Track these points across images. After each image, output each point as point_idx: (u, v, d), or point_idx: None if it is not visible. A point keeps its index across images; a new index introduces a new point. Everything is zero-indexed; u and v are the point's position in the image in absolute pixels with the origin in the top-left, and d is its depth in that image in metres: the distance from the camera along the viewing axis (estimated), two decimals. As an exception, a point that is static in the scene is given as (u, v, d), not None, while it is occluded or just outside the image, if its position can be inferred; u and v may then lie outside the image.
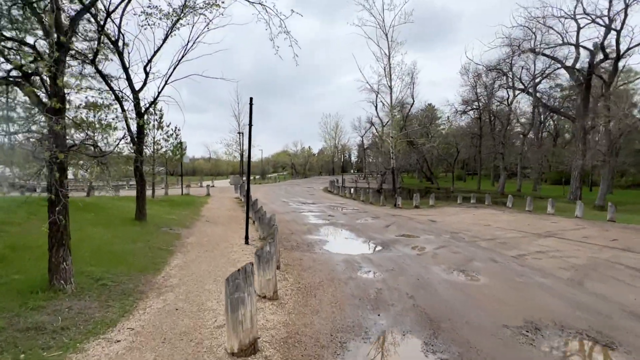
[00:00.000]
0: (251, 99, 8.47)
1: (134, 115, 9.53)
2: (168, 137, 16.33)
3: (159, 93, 9.45)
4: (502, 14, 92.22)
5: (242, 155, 45.60)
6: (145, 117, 15.76)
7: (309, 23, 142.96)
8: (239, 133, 44.68)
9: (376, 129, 55.58)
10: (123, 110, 8.75)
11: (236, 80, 21.55)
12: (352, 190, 29.02)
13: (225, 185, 37.98)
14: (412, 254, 8.23)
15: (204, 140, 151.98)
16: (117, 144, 6.47)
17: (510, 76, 33.30)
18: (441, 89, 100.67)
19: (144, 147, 15.54)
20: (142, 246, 7.29)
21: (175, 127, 16.70)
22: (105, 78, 8.17)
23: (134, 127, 9.54)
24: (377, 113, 53.53)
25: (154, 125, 16.01)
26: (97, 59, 7.89)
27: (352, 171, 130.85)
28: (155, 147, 16.09)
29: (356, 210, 16.94)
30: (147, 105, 9.53)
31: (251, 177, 51.77)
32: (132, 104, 9.37)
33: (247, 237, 8.70)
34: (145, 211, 9.47)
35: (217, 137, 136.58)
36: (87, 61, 7.99)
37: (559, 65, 27.04)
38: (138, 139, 9.28)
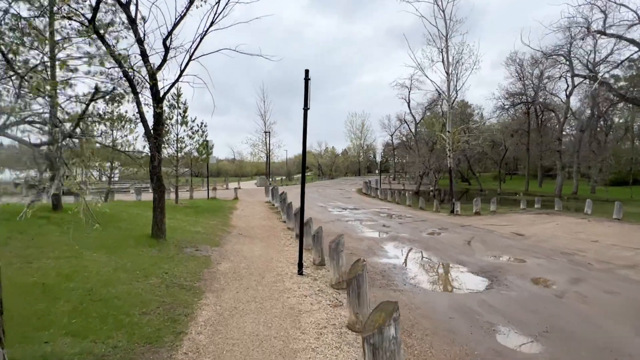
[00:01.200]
0: (307, 72, 6.05)
1: (150, 102, 7.35)
2: (193, 133, 14.24)
3: (183, 70, 7.20)
4: (530, 8, 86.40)
5: (268, 156, 43.67)
6: (167, 109, 13.77)
7: (329, 22, 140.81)
8: (266, 132, 42.78)
9: (409, 127, 52.42)
10: (135, 92, 6.54)
11: (276, 58, 19.22)
12: (390, 192, 26.28)
13: (251, 187, 36.06)
14: (545, 294, 5.56)
15: (227, 141, 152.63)
16: (128, 138, 4.02)
17: (566, 62, 29.49)
18: (471, 85, 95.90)
19: (164, 144, 13.50)
20: (156, 283, 4.99)
21: (202, 123, 14.63)
22: (106, 42, 5.94)
23: (150, 120, 7.34)
24: (410, 110, 50.45)
25: (177, 121, 13.97)
26: (96, 18, 5.68)
27: (376, 171, 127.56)
28: (178, 146, 14.04)
29: (411, 219, 14.27)
30: (168, 87, 7.30)
31: (277, 178, 49.67)
32: (148, 87, 7.16)
33: (300, 265, 6.28)
34: (164, 226, 7.23)
35: (241, 137, 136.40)
36: (84, 25, 5.81)
37: (636, 49, 23.24)
38: (155, 131, 7.06)
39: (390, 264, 7.32)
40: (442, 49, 15.56)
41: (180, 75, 7.27)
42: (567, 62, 28.29)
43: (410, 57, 37.76)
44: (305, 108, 6.10)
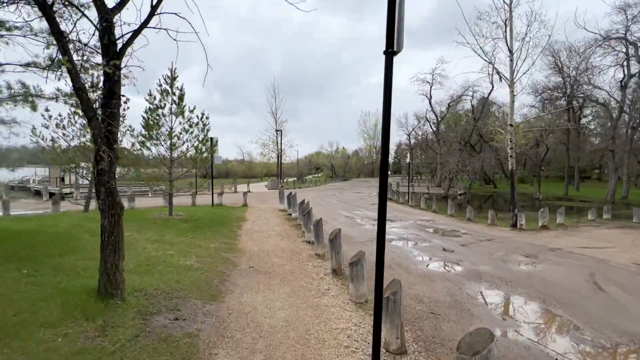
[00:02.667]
0: (390, 41, 2.91)
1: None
2: (191, 126, 11.22)
3: (154, 8, 4.14)
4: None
5: (279, 156, 40.69)
6: (157, 95, 10.79)
7: (337, 22, 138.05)
8: (277, 131, 39.78)
9: (430, 125, 48.88)
10: (56, 31, 3.51)
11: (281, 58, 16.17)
12: (415, 197, 22.95)
13: (261, 191, 33.10)
14: None
15: (236, 141, 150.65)
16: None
17: (622, 49, 25.83)
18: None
19: (154, 140, 10.55)
20: None
21: (202, 114, 11.59)
22: None
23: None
24: (431, 106, 46.97)
25: (170, 110, 10.97)
26: None
27: (389, 173, 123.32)
28: (172, 142, 11.04)
29: (470, 236, 11.02)
30: (130, 37, 4.21)
31: (288, 180, 46.75)
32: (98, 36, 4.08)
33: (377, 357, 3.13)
34: (121, 275, 4.12)
35: (250, 137, 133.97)
36: None
37: None
38: (104, 108, 4.00)
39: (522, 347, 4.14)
40: (505, 21, 12.26)
41: (149, 17, 4.20)
42: (625, 48, 24.61)
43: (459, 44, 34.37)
44: (388, 87, 2.97)
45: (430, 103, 46.11)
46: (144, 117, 10.37)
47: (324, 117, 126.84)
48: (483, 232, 11.96)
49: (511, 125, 12.88)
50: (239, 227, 11.43)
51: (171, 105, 10.89)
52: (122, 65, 4.26)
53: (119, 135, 4.58)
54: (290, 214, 14.47)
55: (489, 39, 13.12)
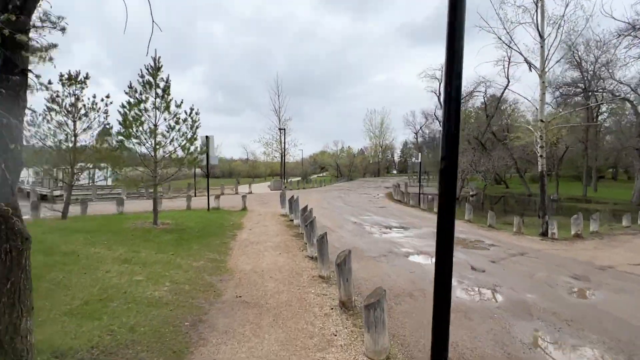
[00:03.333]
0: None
1: None
2: (177, 123, 9.86)
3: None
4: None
5: (283, 156, 39.33)
6: (138, 87, 9.45)
7: (339, 21, 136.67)
8: (280, 129, 38.41)
9: (440, 123, 47.21)
10: None
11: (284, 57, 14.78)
12: (424, 199, 21.42)
13: (264, 191, 31.78)
14: None
15: (240, 141, 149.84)
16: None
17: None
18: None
19: (136, 139, 9.27)
20: None
21: (191, 110, 10.21)
22: None
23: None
24: (441, 103, 45.22)
25: (154, 105, 9.61)
26: None
27: (394, 172, 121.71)
28: (156, 141, 9.68)
29: (498, 248, 9.52)
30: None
31: (292, 180, 45.41)
32: None
33: None
34: (26, 341, 2.75)
35: (254, 137, 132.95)
36: None
37: None
38: None
39: None
40: (535, 1, 10.71)
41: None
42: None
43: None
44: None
45: (439, 100, 44.41)
46: (121, 112, 9.02)
47: (328, 117, 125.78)
48: (511, 243, 10.45)
49: (542, 120, 11.33)
50: (233, 237, 10.06)
51: (155, 99, 9.53)
52: (34, 21, 2.89)
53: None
54: (292, 220, 13.09)
55: (514, 23, 11.59)
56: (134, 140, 9.03)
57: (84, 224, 10.56)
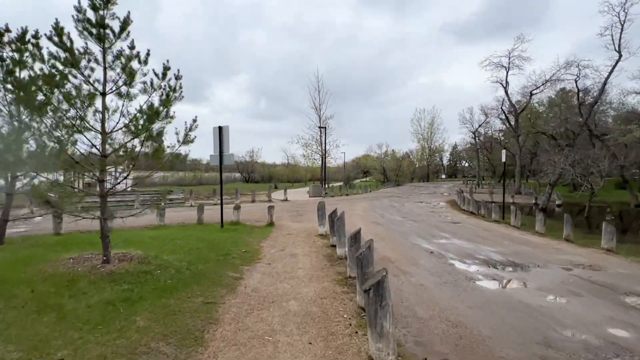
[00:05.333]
0: None
1: None
2: (145, 91, 5.78)
3: None
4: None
5: (323, 157, 35.08)
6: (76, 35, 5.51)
7: (380, 23, 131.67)
8: (321, 128, 34.25)
9: (507, 119, 40.37)
10: None
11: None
12: (495, 207, 15.82)
13: (302, 198, 27.65)
14: None
15: (282, 145, 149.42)
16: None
17: None
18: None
19: (57, 114, 5.35)
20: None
21: (166, 70, 6.09)
22: None
23: None
24: (507, 96, 38.58)
25: (98, 61, 5.62)
26: None
27: (442, 176, 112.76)
28: (106, 116, 5.66)
29: None
30: None
31: (333, 185, 41.05)
32: None
33: None
34: None
35: (292, 137, 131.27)
36: None
37: None
38: None
39: None
40: None
41: None
42: None
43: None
44: None
45: (506, 91, 37.85)
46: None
47: (368, 121, 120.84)
48: None
49: None
50: (235, 285, 5.80)
51: (98, 41, 5.56)
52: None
53: None
54: (335, 247, 8.64)
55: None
56: (52, 116, 5.07)
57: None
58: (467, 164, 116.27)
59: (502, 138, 53.62)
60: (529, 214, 20.92)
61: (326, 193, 30.53)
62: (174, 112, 5.99)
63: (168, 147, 6.33)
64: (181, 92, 6.18)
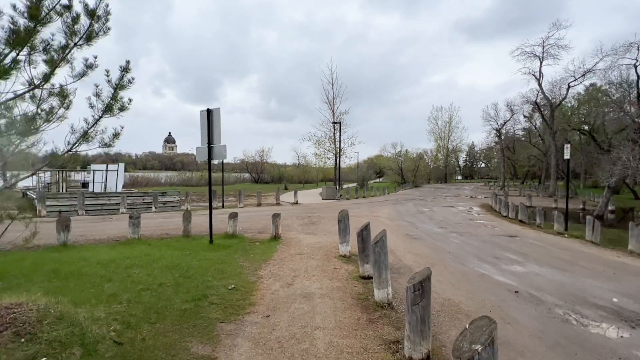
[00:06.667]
0: None
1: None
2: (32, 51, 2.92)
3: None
4: None
5: (338, 156, 32.10)
6: None
7: (390, 21, 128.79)
8: (334, 123, 31.29)
9: (541, 114, 36.64)
10: None
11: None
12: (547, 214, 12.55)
13: (314, 201, 24.72)
14: None
15: (293, 145, 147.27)
16: None
17: None
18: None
19: None
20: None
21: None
22: None
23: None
24: (541, 89, 34.91)
25: None
26: None
27: (458, 177, 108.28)
28: None
29: None
30: None
31: (347, 186, 38.05)
32: None
33: None
34: None
35: (303, 134, 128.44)
36: None
37: None
38: None
39: None
40: None
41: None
42: None
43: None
44: None
45: (539, 84, 34.23)
46: None
47: (380, 120, 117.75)
48: None
49: None
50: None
51: None
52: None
53: None
54: (368, 278, 5.70)
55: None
56: None
57: None
58: (483, 165, 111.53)
59: (524, 138, 49.78)
60: (578, 221, 17.64)
61: (341, 195, 27.55)
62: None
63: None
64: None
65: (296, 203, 22.69)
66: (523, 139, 50.49)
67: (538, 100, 35.06)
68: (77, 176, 24.16)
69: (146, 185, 48.55)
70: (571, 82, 32.06)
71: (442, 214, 17.53)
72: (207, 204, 19.33)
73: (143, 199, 16.71)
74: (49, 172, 20.55)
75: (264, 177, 68.23)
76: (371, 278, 6.04)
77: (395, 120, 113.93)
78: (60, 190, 18.34)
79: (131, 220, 9.18)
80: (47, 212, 13.80)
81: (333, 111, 32.44)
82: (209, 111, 8.52)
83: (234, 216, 10.09)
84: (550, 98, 34.09)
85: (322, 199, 26.58)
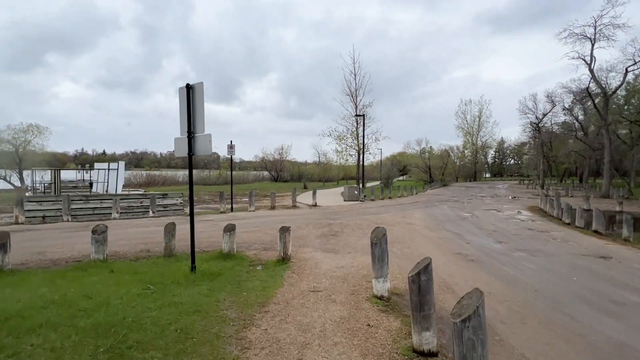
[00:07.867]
0: None
1: None
2: None
3: None
4: None
5: (360, 152, 29.36)
6: None
7: (410, 16, 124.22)
8: (357, 116, 28.57)
9: (594, 102, 32.48)
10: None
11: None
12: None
13: (335, 203, 22.16)
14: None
15: (313, 143, 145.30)
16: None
17: None
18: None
19: None
20: None
21: None
22: None
23: None
24: (593, 74, 30.84)
25: None
26: None
27: (486, 175, 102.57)
28: None
29: None
30: None
31: (371, 185, 35.15)
32: None
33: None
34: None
35: (327, 140, 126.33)
36: None
37: None
38: None
39: None
40: None
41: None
42: None
43: None
44: None
45: (591, 69, 30.18)
46: None
47: (401, 117, 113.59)
48: None
49: None
50: None
51: None
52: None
53: None
54: (428, 354, 3.12)
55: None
56: None
57: None
58: (512, 162, 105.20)
59: (565, 132, 45.19)
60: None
61: (365, 196, 24.85)
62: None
63: None
64: None
65: (315, 205, 20.23)
66: (564, 133, 45.91)
67: (590, 87, 30.94)
68: (72, 175, 22.68)
69: (163, 184, 47.45)
70: (629, 66, 27.93)
71: (489, 221, 14.58)
72: (219, 206, 17.09)
73: (140, 202, 14.72)
74: (49, 172, 18.99)
75: (284, 175, 66.36)
76: (435, 355, 3.54)
77: (415, 117, 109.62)
78: (56, 192, 16.65)
79: (94, 236, 6.97)
80: (26, 217, 11.97)
81: (355, 104, 29.75)
82: (188, 87, 6.13)
83: (230, 229, 7.71)
84: (603, 86, 29.99)
85: (344, 201, 23.99)
